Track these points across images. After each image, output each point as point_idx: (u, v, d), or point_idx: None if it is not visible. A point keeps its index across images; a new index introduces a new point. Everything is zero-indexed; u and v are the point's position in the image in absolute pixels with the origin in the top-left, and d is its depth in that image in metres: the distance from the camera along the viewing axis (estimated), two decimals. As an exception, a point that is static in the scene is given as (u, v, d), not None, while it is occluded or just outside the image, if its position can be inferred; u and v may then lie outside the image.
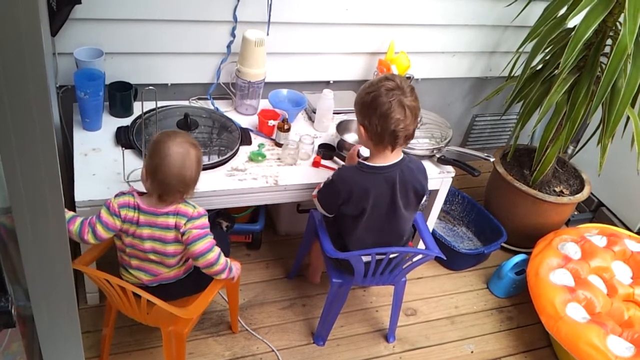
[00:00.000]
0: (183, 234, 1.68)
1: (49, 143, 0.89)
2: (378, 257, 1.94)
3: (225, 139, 2.21)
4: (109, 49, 2.18)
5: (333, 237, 2.01)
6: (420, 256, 2.03)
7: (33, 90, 0.83)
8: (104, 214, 1.67)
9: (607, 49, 2.36)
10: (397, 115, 1.74)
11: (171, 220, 1.67)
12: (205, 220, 1.71)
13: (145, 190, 1.71)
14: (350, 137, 2.32)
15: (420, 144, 2.32)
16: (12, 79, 0.81)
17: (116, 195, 1.71)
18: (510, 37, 2.86)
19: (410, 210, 1.96)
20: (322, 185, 1.97)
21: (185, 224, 1.67)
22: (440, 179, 2.33)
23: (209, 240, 1.70)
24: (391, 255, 1.94)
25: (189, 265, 1.81)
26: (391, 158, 1.86)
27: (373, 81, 1.81)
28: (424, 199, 2.04)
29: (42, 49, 0.81)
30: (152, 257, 1.73)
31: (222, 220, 2.32)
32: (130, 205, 1.69)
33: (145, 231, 1.69)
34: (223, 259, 1.73)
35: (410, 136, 1.82)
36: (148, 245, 1.70)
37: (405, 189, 1.90)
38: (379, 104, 1.74)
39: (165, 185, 1.64)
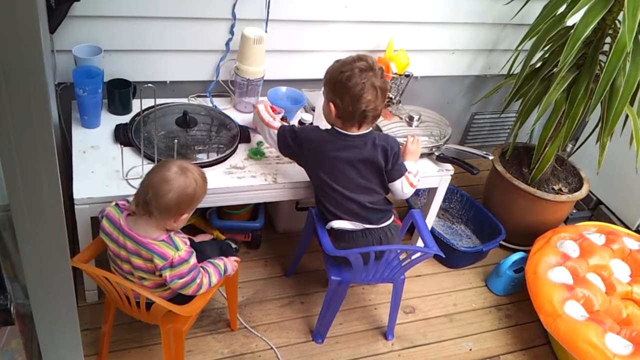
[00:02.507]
0: (160, 276, 1.63)
1: (47, 140, 0.89)
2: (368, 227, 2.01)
3: (224, 137, 2.21)
4: (107, 46, 2.18)
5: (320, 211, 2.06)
6: (418, 254, 2.04)
7: (32, 87, 0.83)
8: (111, 209, 1.67)
9: (606, 47, 2.36)
10: (369, 96, 1.80)
11: (147, 255, 1.61)
12: (190, 264, 1.63)
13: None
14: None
15: (419, 141, 2.32)
16: (11, 76, 0.81)
17: (116, 204, 1.69)
18: (509, 35, 2.86)
19: (373, 183, 1.98)
20: (283, 127, 2.00)
21: (163, 271, 1.60)
22: (439, 177, 2.33)
23: (197, 283, 1.66)
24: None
25: (173, 291, 1.74)
26: (353, 130, 1.92)
27: (346, 60, 1.84)
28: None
29: (41, 46, 0.81)
30: (131, 278, 1.71)
31: (232, 243, 2.33)
32: (115, 223, 1.65)
33: (123, 253, 1.66)
34: (206, 284, 1.70)
35: (378, 116, 1.91)
36: (126, 267, 1.68)
37: (371, 162, 1.94)
38: (353, 85, 1.80)
39: (141, 193, 1.59)
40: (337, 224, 2.00)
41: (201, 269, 1.71)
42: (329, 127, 1.96)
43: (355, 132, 1.91)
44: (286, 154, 2.04)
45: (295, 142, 1.97)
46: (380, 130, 2.29)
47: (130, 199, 1.69)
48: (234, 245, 2.29)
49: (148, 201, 1.57)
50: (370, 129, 1.94)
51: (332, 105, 1.87)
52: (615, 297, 2.25)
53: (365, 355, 2.20)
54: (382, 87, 1.83)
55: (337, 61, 1.88)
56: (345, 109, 1.84)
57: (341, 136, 1.91)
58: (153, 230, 1.62)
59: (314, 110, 2.40)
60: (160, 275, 1.64)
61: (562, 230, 2.49)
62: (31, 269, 1.04)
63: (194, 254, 1.67)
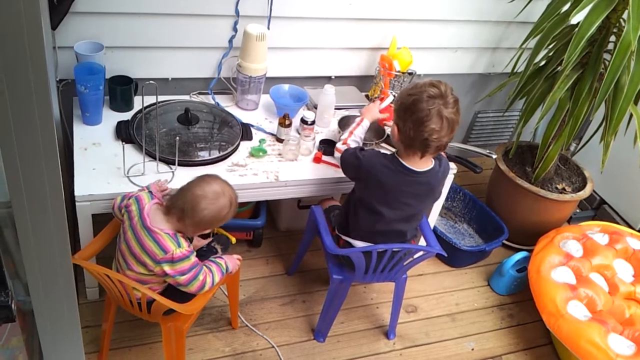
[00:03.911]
0: (152, 271, 1.64)
1: (49, 137, 0.88)
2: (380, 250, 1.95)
3: (226, 134, 2.20)
4: (109, 42, 2.17)
5: (339, 217, 2.04)
6: (421, 253, 2.03)
7: (33, 83, 0.82)
8: (143, 194, 1.72)
9: (610, 46, 2.34)
10: (433, 124, 1.71)
11: (149, 244, 1.62)
12: (191, 261, 1.64)
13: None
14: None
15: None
16: (13, 72, 0.81)
17: (149, 191, 1.75)
18: (513, 33, 2.85)
19: (422, 211, 1.98)
20: (349, 149, 1.96)
21: (162, 264, 1.61)
22: (441, 176, 2.32)
23: (200, 280, 1.67)
24: (395, 249, 1.94)
25: (165, 285, 1.75)
26: (421, 164, 1.84)
27: (418, 84, 1.77)
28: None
29: (43, 42, 0.80)
30: (121, 260, 1.71)
31: (217, 245, 2.13)
32: (141, 205, 1.68)
33: (129, 233, 1.67)
34: (209, 282, 1.70)
35: (443, 147, 1.80)
36: (124, 247, 1.69)
37: (426, 196, 1.92)
38: (417, 110, 1.72)
39: (179, 199, 1.65)
40: (361, 244, 1.97)
41: (205, 267, 1.71)
42: (388, 151, 1.91)
43: (418, 163, 1.82)
44: (346, 174, 1.99)
45: (356, 163, 1.90)
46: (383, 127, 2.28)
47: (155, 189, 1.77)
48: (220, 247, 2.07)
49: (185, 210, 1.63)
50: (434, 163, 1.87)
51: (395, 128, 1.81)
52: (618, 297, 2.24)
53: (366, 355, 2.20)
54: (451, 118, 1.72)
55: (417, 82, 1.80)
56: (406, 133, 1.76)
57: (406, 171, 1.82)
58: (165, 224, 1.65)
59: (316, 108, 2.40)
60: (152, 271, 1.64)
61: (566, 230, 2.48)
62: (32, 266, 1.03)
63: (194, 253, 1.68)
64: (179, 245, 1.63)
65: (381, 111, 2.19)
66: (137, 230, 1.65)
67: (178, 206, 1.64)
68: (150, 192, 1.75)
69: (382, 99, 2.25)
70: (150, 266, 1.64)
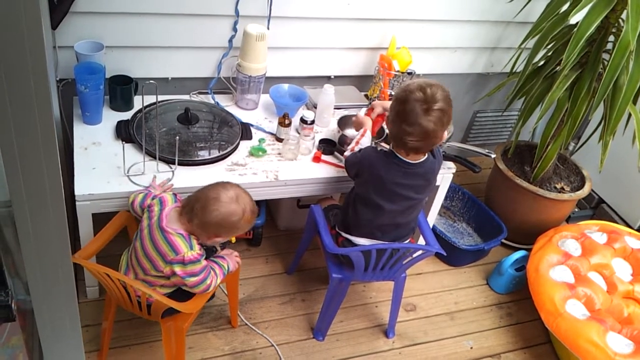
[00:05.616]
0: (162, 272, 1.67)
1: (49, 137, 0.89)
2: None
3: (225, 134, 2.21)
4: (109, 42, 2.17)
5: (341, 216, 2.06)
6: (420, 252, 2.03)
7: (34, 83, 0.83)
8: (167, 196, 1.75)
9: (609, 46, 2.35)
10: (408, 128, 1.74)
11: (161, 244, 1.64)
12: (201, 264, 1.67)
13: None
14: (351, 132, 2.31)
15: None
16: (13, 72, 0.81)
17: (173, 193, 1.79)
18: (512, 33, 2.85)
19: (422, 200, 1.99)
20: (352, 154, 2.00)
21: (173, 265, 1.64)
22: (441, 175, 2.32)
23: (207, 283, 1.69)
24: (394, 247, 1.95)
25: (172, 284, 1.76)
26: (414, 157, 1.86)
27: (411, 84, 1.78)
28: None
29: (43, 42, 0.81)
30: (134, 259, 1.72)
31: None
32: (162, 206, 1.70)
33: (145, 232, 1.69)
34: (213, 284, 1.73)
35: (421, 149, 1.83)
36: (137, 244, 1.71)
37: (423, 187, 1.93)
38: (400, 110, 1.76)
39: (192, 200, 1.67)
40: (362, 241, 1.98)
41: (211, 270, 1.72)
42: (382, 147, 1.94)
43: (410, 156, 1.85)
44: (349, 174, 2.01)
45: (356, 160, 1.94)
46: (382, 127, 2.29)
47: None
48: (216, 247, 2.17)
49: (195, 210, 1.64)
50: (427, 155, 1.88)
51: (387, 118, 1.89)
52: (616, 296, 2.24)
53: (366, 353, 2.20)
54: (428, 128, 1.71)
55: (416, 81, 1.80)
56: (391, 129, 1.84)
57: (401, 163, 1.85)
58: (179, 225, 1.68)
59: (315, 108, 2.40)
60: (161, 272, 1.66)
61: (564, 229, 2.49)
62: (32, 265, 1.04)
63: (204, 256, 1.71)
64: (191, 248, 1.65)
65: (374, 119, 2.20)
66: (152, 229, 1.67)
67: (190, 205, 1.67)
68: (174, 194, 1.78)
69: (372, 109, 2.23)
70: (160, 266, 1.65)
